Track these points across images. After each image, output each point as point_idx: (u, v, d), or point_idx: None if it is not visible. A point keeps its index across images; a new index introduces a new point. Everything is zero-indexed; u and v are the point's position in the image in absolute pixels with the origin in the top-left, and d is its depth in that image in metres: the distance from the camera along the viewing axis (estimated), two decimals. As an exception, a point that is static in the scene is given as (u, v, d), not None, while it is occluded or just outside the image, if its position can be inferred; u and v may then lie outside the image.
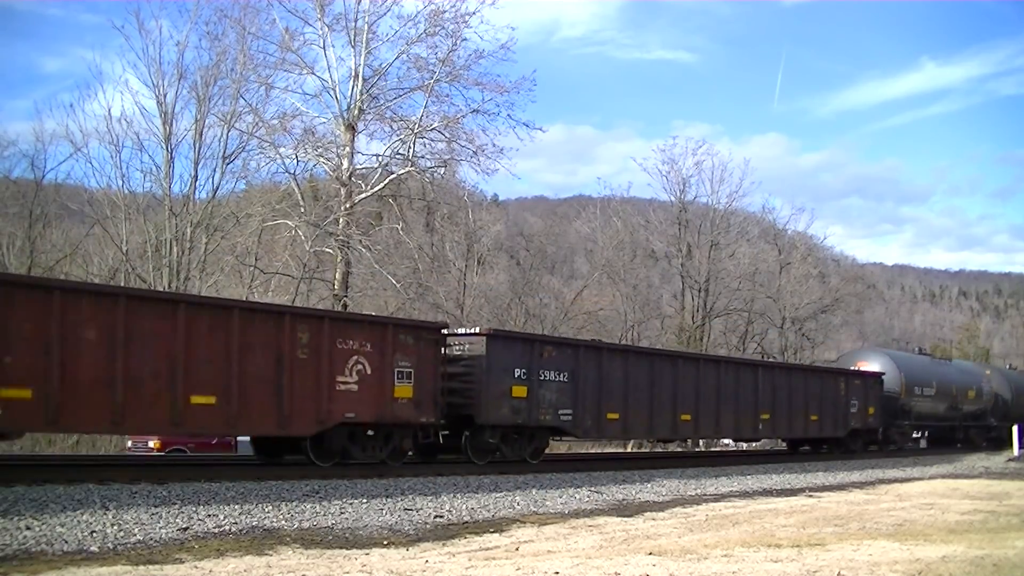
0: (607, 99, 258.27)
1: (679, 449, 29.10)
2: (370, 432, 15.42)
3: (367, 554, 8.72)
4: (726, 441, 34.10)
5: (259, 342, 13.76)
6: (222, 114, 27.18)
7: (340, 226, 28.70)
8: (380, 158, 30.57)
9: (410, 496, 12.90)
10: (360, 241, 29.15)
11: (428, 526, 10.84)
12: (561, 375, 17.97)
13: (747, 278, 46.96)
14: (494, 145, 30.23)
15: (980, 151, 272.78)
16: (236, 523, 10.04)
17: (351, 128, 29.53)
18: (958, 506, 14.48)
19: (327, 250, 29.28)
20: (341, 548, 9.02)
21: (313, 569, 7.74)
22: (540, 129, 31.39)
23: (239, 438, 20.58)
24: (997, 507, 14.31)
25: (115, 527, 9.22)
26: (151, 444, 20.52)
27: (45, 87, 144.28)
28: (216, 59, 27.10)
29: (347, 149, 29.74)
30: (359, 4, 29.24)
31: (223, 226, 27.43)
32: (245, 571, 7.59)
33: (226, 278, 28.49)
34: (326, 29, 29.28)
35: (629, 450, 32.72)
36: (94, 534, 8.84)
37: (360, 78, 29.22)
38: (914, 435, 32.87)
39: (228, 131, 27.20)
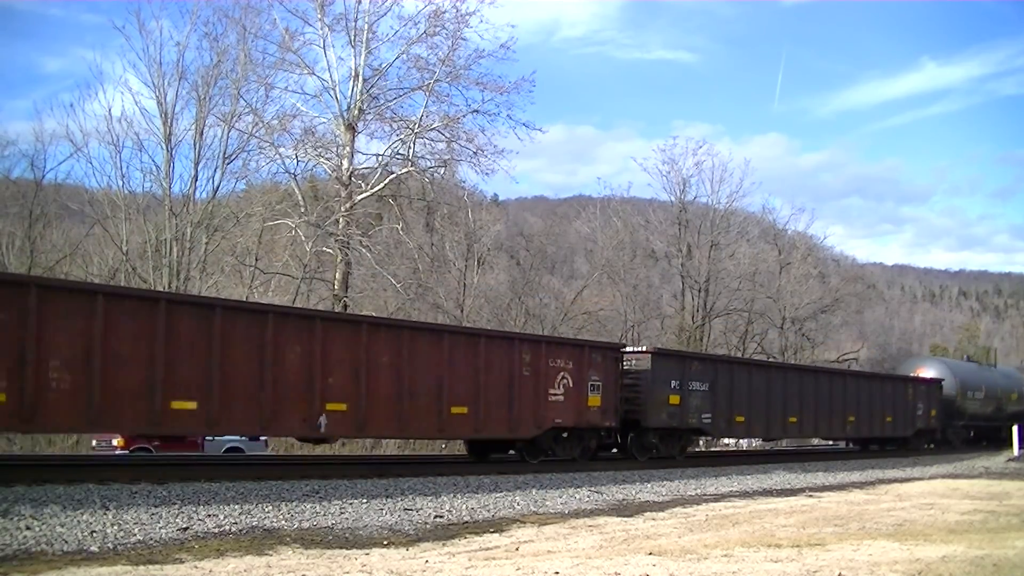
0: (607, 99, 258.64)
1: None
2: (564, 434, 18.41)
3: (367, 554, 8.72)
4: (726, 441, 34.63)
5: (497, 363, 16.83)
6: (222, 114, 27.21)
7: (340, 226, 28.71)
8: (380, 158, 30.62)
9: (410, 496, 12.90)
10: (360, 241, 29.17)
11: (428, 526, 10.84)
12: (703, 385, 21.31)
13: (747, 278, 46.95)
14: (494, 146, 30.30)
15: (980, 151, 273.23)
16: (236, 523, 10.04)
17: (351, 128, 29.55)
18: (958, 506, 14.48)
19: (327, 250, 29.29)
20: (341, 548, 9.02)
21: (313, 569, 7.74)
22: (540, 130, 31.52)
23: (207, 439, 20.90)
24: (997, 507, 14.31)
25: (115, 527, 9.22)
26: (114, 443, 20.48)
27: (45, 87, 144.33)
28: (216, 59, 27.12)
29: (347, 149, 29.77)
30: (359, 4, 29.31)
31: (223, 226, 27.42)
32: (245, 571, 7.59)
33: (226, 278, 28.48)
34: (326, 29, 29.33)
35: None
36: (94, 534, 8.84)
37: (360, 78, 29.25)
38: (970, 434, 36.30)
39: (228, 131, 27.21)
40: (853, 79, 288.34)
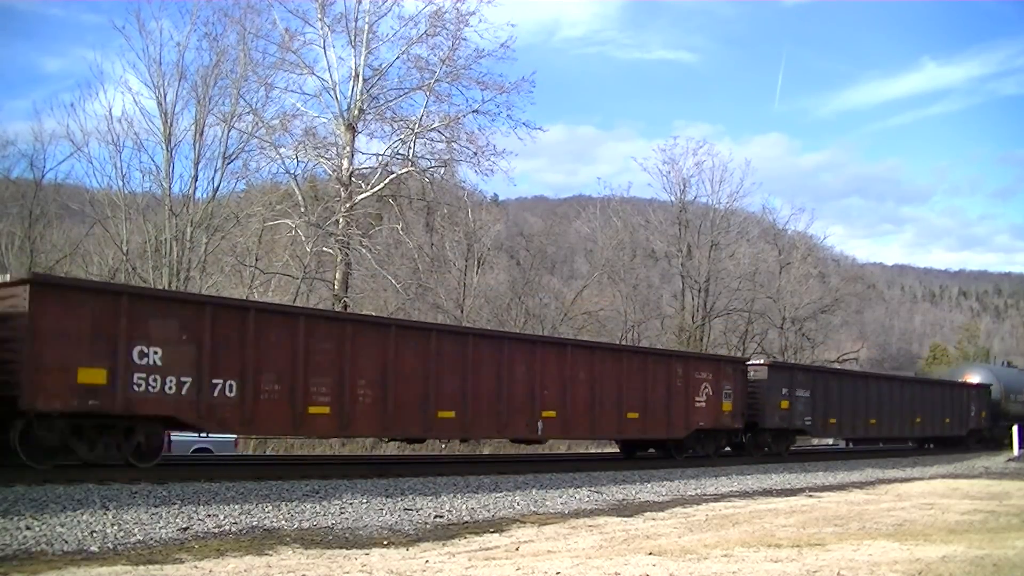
0: (608, 99, 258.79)
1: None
2: (702, 435, 21.73)
3: (367, 554, 8.72)
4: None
5: (659, 376, 20.36)
6: (222, 114, 27.17)
7: (340, 226, 28.70)
8: (380, 158, 30.62)
9: (410, 496, 12.90)
10: (360, 241, 29.16)
11: (428, 526, 10.83)
12: (806, 392, 24.89)
13: (747, 278, 46.96)
14: (493, 146, 30.30)
15: (981, 151, 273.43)
16: (236, 523, 10.04)
17: (351, 128, 29.55)
18: (958, 506, 14.47)
19: (327, 250, 29.27)
20: (341, 548, 9.02)
21: (313, 569, 7.73)
22: (540, 129, 31.52)
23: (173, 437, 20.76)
24: (997, 507, 14.31)
25: (115, 527, 9.21)
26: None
27: (45, 87, 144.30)
28: (216, 59, 27.08)
29: (347, 149, 29.77)
30: (360, 4, 29.30)
31: (223, 226, 27.39)
32: (245, 571, 7.58)
33: (226, 278, 28.45)
34: (326, 29, 29.33)
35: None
36: (94, 534, 8.84)
37: (360, 78, 29.24)
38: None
39: (228, 131, 27.18)
40: (854, 79, 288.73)
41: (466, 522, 11.28)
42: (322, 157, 30.24)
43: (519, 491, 14.29)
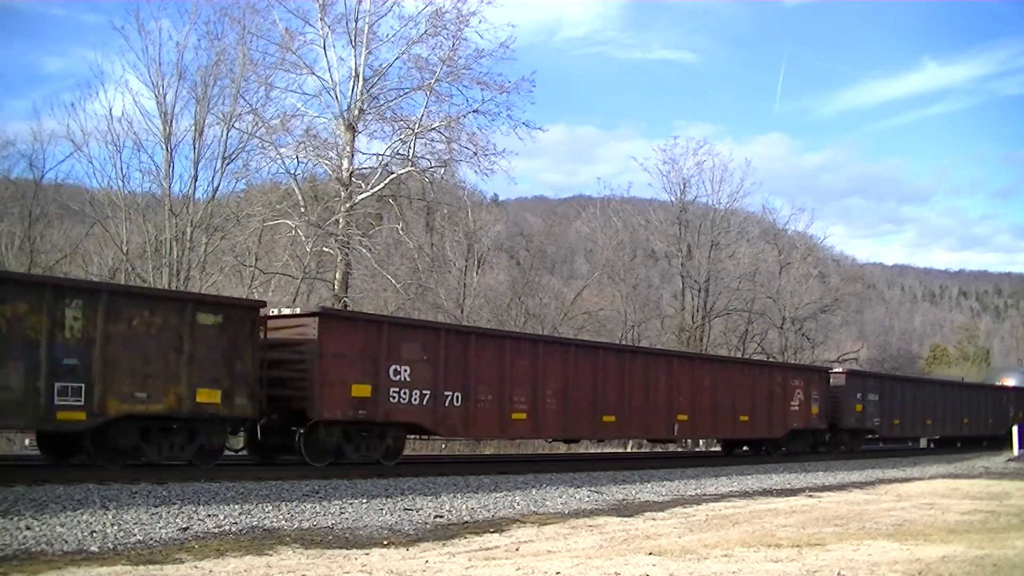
0: (609, 99, 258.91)
1: (679, 449, 31.37)
2: (794, 435, 25.19)
3: (367, 554, 8.71)
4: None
5: (763, 384, 23.96)
6: (222, 114, 27.11)
7: (340, 226, 28.67)
8: (380, 158, 30.55)
9: (410, 496, 12.90)
10: (360, 241, 29.13)
11: (428, 526, 10.84)
12: (875, 396, 28.27)
13: (747, 278, 46.91)
14: (493, 145, 30.25)
15: (982, 151, 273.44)
16: (236, 523, 10.04)
17: (351, 128, 29.51)
18: (958, 506, 14.47)
19: (327, 250, 29.23)
20: (341, 548, 9.02)
21: (313, 569, 7.73)
22: (540, 129, 31.39)
23: None
24: (997, 507, 14.31)
25: (115, 527, 9.21)
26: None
27: (45, 87, 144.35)
28: (216, 59, 27.00)
29: (347, 149, 29.71)
30: (360, 4, 29.22)
31: (223, 226, 27.35)
32: (245, 571, 7.58)
33: (226, 278, 28.41)
34: (327, 29, 29.26)
35: (629, 450, 32.72)
36: (94, 534, 8.84)
37: (360, 78, 29.20)
38: None
39: (228, 131, 27.11)
40: (855, 79, 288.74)
41: (466, 522, 11.28)
42: (322, 157, 30.19)
43: (519, 491, 14.28)
